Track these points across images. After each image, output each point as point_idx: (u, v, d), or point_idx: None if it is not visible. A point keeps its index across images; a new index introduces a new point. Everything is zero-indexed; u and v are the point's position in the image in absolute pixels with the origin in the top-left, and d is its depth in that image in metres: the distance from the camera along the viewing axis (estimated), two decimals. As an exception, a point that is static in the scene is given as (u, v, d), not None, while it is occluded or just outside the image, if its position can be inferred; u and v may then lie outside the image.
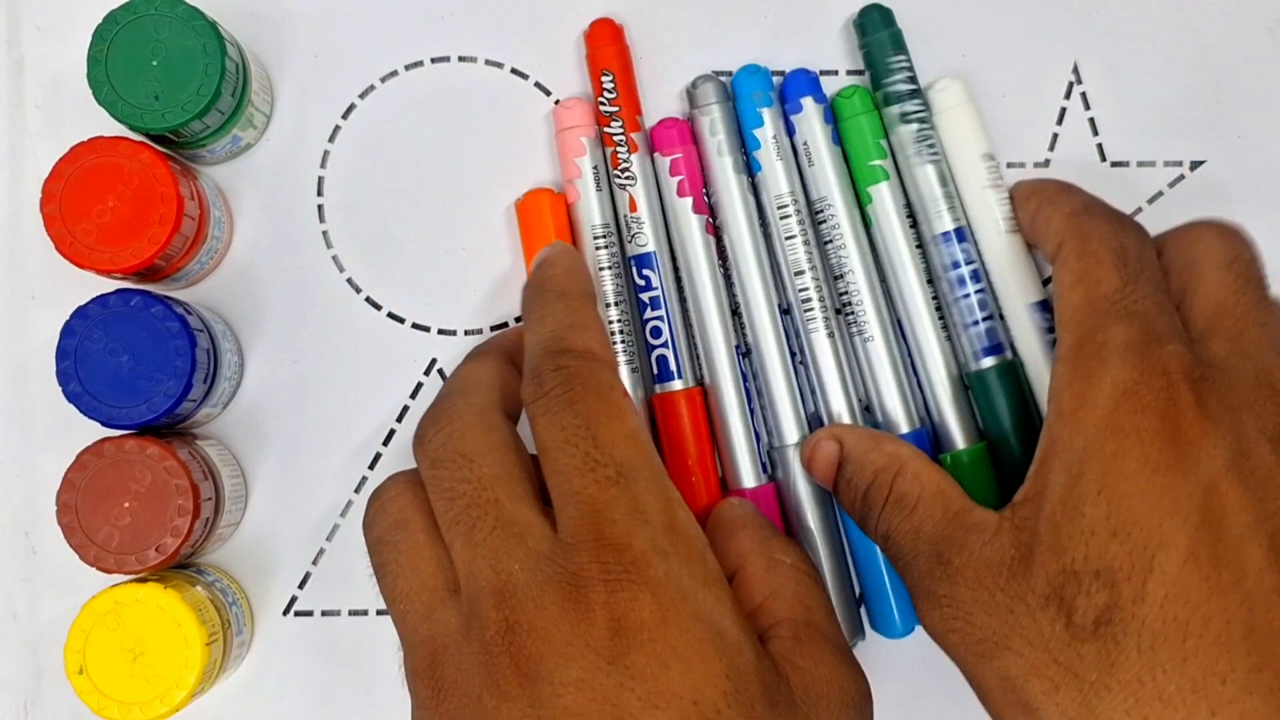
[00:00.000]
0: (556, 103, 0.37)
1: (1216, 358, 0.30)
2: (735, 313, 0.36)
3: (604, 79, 0.36)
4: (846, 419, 0.35)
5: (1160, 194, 0.38)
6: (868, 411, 0.36)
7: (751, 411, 0.35)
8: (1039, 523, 0.28)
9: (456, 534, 0.29)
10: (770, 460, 0.36)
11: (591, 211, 0.36)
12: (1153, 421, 0.28)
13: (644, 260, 0.36)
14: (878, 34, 0.36)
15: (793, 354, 0.36)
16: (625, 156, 0.36)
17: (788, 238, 0.35)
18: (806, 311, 0.35)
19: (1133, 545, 0.27)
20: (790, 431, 0.35)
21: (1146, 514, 0.27)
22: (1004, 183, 0.36)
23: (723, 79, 0.37)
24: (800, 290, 0.35)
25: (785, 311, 0.36)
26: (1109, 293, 0.30)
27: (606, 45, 0.36)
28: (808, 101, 0.36)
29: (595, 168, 0.36)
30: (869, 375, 0.35)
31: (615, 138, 0.36)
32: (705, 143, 0.36)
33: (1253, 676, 0.26)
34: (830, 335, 0.35)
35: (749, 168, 0.36)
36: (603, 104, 0.36)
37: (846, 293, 0.35)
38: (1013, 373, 0.34)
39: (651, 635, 0.26)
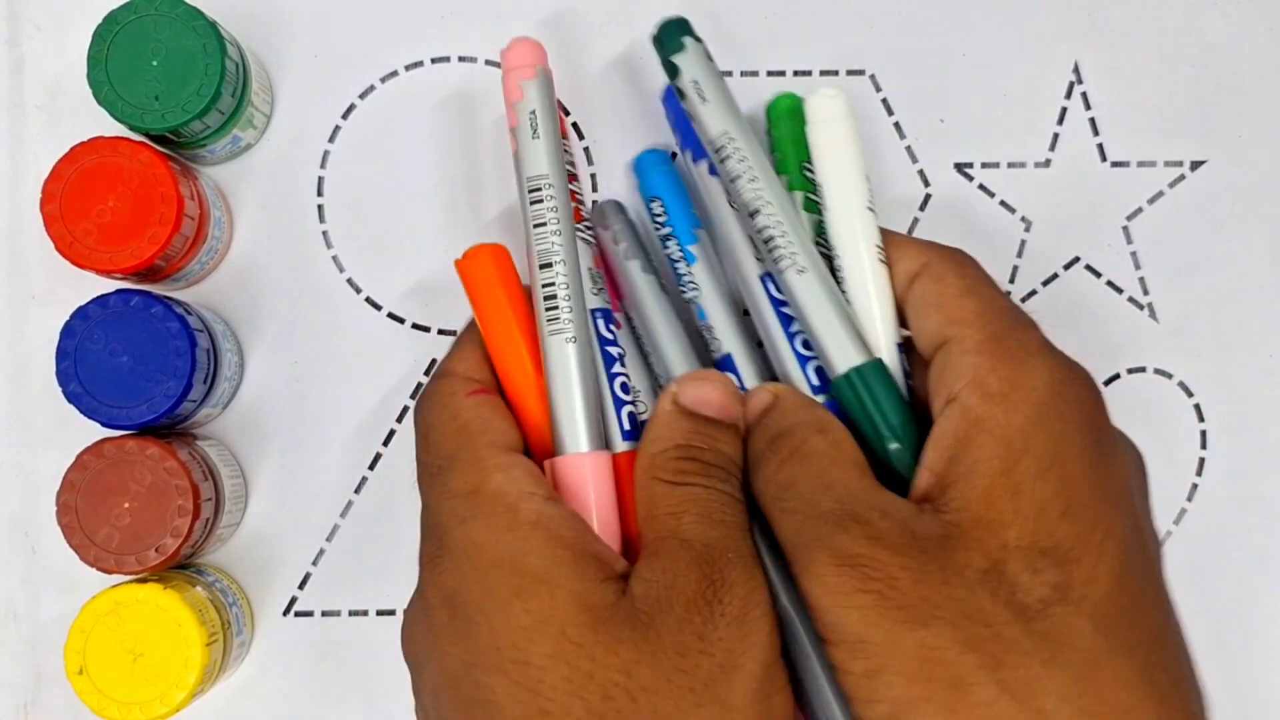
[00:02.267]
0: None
1: None
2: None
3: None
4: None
5: (1160, 194, 0.38)
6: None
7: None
8: (970, 499, 0.27)
9: None
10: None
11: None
12: (1084, 416, 0.28)
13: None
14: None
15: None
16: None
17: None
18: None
19: (1081, 528, 0.27)
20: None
21: (1092, 499, 0.27)
22: (876, 207, 0.33)
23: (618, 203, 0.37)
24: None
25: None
26: (1005, 305, 0.30)
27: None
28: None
29: (533, 112, 0.33)
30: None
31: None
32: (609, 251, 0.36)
33: (1187, 681, 0.27)
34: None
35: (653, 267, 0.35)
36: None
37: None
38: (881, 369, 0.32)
39: (464, 598, 0.28)
